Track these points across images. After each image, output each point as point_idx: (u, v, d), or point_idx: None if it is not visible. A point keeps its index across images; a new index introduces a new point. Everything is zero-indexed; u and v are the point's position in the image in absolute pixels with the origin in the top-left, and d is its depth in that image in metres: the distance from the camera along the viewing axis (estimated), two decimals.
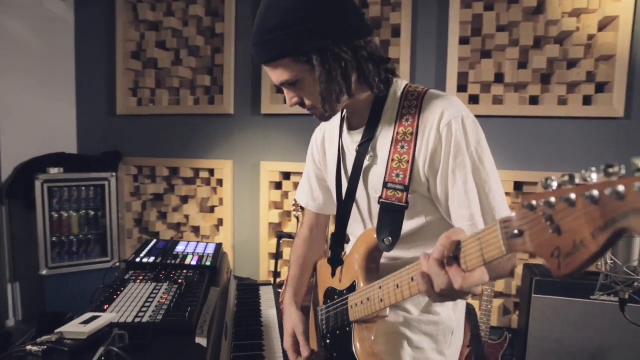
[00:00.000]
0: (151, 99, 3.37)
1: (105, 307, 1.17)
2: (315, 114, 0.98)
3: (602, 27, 2.53)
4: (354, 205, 1.07)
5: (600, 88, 2.56)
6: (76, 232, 3.06)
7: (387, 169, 0.95)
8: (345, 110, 1.10)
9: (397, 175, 0.94)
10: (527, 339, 2.39)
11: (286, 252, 3.10)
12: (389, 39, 2.82)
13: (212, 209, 3.36)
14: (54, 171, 2.92)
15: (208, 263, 1.59)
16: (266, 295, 1.86)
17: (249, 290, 1.90)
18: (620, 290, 1.04)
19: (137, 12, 3.29)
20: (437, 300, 0.71)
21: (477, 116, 2.61)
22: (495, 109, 2.66)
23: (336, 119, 1.13)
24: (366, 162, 1.01)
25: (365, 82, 0.94)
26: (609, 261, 1.11)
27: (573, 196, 0.47)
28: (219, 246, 1.84)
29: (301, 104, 0.96)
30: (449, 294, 0.67)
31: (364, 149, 1.01)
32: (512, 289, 2.74)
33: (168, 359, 0.98)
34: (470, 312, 2.45)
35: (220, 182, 3.28)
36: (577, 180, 0.49)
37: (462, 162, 0.89)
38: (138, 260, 1.57)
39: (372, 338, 0.94)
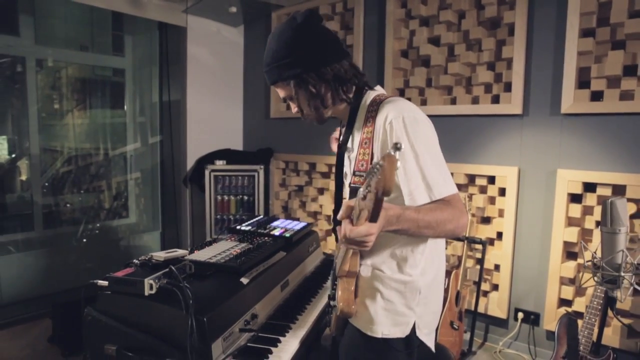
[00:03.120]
0: None
1: (196, 251, 1.67)
2: (311, 120, 1.36)
3: None
4: (345, 186, 1.37)
5: None
6: (233, 212, 3.84)
7: (355, 161, 1.24)
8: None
9: (362, 165, 1.21)
10: None
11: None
12: (505, 39, 2.78)
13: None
14: (218, 163, 3.74)
15: (287, 235, 1.98)
16: None
17: (330, 264, 2.22)
18: (601, 286, 1.01)
19: None
20: (349, 247, 1.03)
21: (599, 114, 2.46)
22: (624, 106, 2.40)
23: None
24: (347, 153, 1.32)
25: (336, 95, 1.28)
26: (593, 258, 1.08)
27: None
28: (307, 225, 2.22)
29: (301, 112, 1.35)
30: (350, 241, 0.95)
31: (343, 147, 1.34)
32: None
33: (214, 284, 1.41)
34: (571, 323, 2.30)
35: None
36: None
37: (402, 151, 1.12)
38: (238, 227, 2.06)
39: (352, 289, 1.23)
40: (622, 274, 0.97)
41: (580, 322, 2.28)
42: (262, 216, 2.31)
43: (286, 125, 4.01)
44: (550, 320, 2.65)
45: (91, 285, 1.32)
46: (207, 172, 3.67)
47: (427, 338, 1.29)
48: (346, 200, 0.97)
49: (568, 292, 2.62)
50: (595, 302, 2.24)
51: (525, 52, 2.67)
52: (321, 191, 3.89)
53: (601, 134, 2.48)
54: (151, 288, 1.24)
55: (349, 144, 1.32)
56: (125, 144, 4.09)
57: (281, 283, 1.73)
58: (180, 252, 1.51)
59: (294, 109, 1.35)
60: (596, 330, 2.24)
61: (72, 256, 3.74)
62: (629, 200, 2.42)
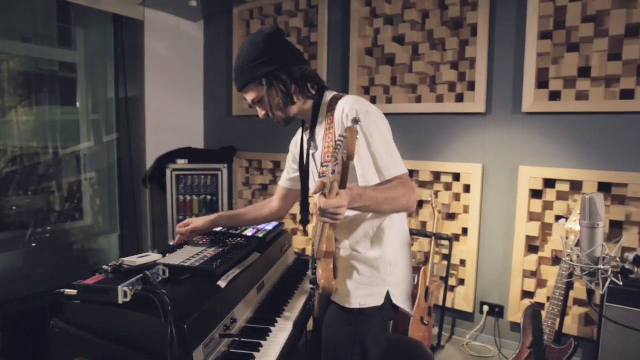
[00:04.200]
0: None
1: (167, 254, 1.59)
2: (278, 122, 1.47)
3: None
4: (310, 181, 1.50)
5: None
6: (197, 212, 3.72)
7: (322, 154, 1.37)
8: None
9: (328, 157, 1.34)
10: (599, 352, 2.24)
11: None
12: (468, 39, 2.85)
13: None
14: (180, 162, 3.61)
15: (260, 235, 1.93)
16: None
17: (303, 263, 2.20)
18: (581, 279, 1.05)
19: (249, 27, 3.85)
20: (322, 220, 1.10)
21: (558, 113, 2.55)
22: (579, 106, 2.52)
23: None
24: (312, 151, 1.46)
25: (302, 92, 1.41)
26: (572, 252, 1.13)
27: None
28: (278, 225, 2.18)
29: (267, 116, 1.47)
30: (323, 213, 1.06)
31: (310, 142, 1.46)
32: (597, 298, 2.55)
33: (191, 289, 1.35)
34: (535, 314, 2.40)
35: None
36: None
37: (357, 140, 1.24)
38: None
39: (330, 268, 1.34)
40: (601, 266, 1.01)
41: (544, 313, 2.38)
42: None
43: (249, 123, 3.94)
44: (514, 312, 2.75)
45: (57, 295, 1.22)
46: (168, 172, 3.53)
47: (405, 304, 1.48)
48: (320, 179, 1.10)
49: (530, 284, 2.73)
50: (557, 294, 2.34)
51: (487, 52, 2.75)
52: None
53: (560, 132, 2.59)
54: (125, 295, 1.16)
55: (313, 143, 1.45)
56: (78, 143, 3.87)
57: (257, 285, 1.68)
58: (153, 256, 1.44)
59: (261, 113, 1.47)
60: (558, 320, 2.35)
61: (21, 262, 3.49)
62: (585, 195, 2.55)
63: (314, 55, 3.54)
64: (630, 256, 1.04)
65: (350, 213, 1.39)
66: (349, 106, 1.33)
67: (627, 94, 2.44)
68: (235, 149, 4.02)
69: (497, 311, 2.85)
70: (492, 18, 2.74)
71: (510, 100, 2.72)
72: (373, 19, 3.23)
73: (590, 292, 1.09)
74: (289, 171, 1.76)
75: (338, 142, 1.00)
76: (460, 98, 2.91)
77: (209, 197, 3.76)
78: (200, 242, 1.78)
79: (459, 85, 2.92)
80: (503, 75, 2.73)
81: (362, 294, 1.38)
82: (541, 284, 2.75)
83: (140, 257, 1.39)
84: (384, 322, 1.45)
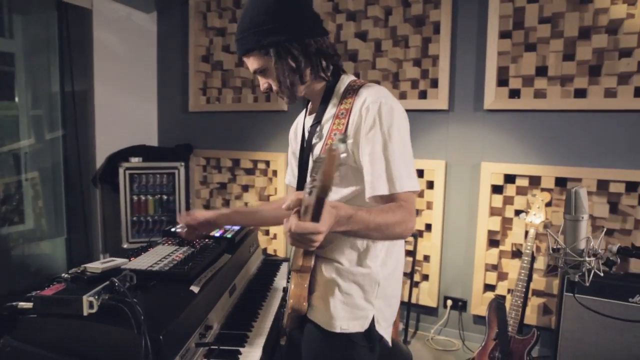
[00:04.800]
0: (217, 97, 3.76)
1: (132, 259, 1.47)
2: (281, 97, 1.24)
3: None
4: (307, 175, 1.27)
5: None
6: (152, 213, 3.54)
7: (324, 145, 1.17)
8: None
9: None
10: (559, 340, 2.33)
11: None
12: (430, 36, 2.88)
13: (268, 198, 3.66)
14: (134, 160, 3.41)
15: (228, 236, 1.84)
16: (285, 270, 2.07)
17: (272, 264, 2.13)
18: (565, 272, 1.07)
19: (206, 20, 3.70)
20: (293, 244, 0.90)
21: (517, 111, 2.61)
22: (537, 103, 2.61)
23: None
24: (314, 140, 1.23)
25: (315, 72, 1.20)
26: (556, 245, 1.15)
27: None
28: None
29: (270, 89, 1.24)
30: (294, 237, 0.86)
31: (313, 129, 1.24)
32: (553, 289, 2.66)
33: (162, 296, 1.24)
34: (499, 307, 2.46)
35: (275, 173, 3.56)
36: None
37: (373, 137, 1.09)
38: (172, 229, 1.87)
39: (305, 285, 1.15)
40: (586, 258, 1.03)
41: (507, 305, 2.44)
42: None
43: (207, 119, 3.79)
44: (477, 305, 2.81)
45: (7, 308, 1.09)
46: (121, 170, 3.33)
47: (386, 332, 1.26)
48: (297, 192, 0.92)
49: (492, 277, 2.80)
50: (519, 286, 2.42)
51: (450, 49, 2.79)
52: (245, 188, 3.74)
53: (519, 129, 2.67)
54: (91, 306, 1.04)
55: (318, 132, 1.23)
56: (16, 140, 3.56)
57: (229, 288, 1.60)
58: (118, 261, 1.32)
59: (264, 84, 1.24)
60: (521, 311, 2.42)
61: None
62: (543, 189, 2.65)
63: None
64: (614, 247, 1.06)
65: None
66: (372, 97, 1.13)
67: (580, 93, 2.56)
68: (192, 146, 3.86)
69: (460, 305, 2.90)
70: (454, 16, 2.78)
71: (472, 98, 2.77)
72: (335, 15, 3.19)
73: (571, 284, 1.10)
74: (293, 167, 1.50)
75: (318, 162, 0.80)
76: (423, 95, 2.93)
77: (164, 197, 3.58)
78: (166, 244, 1.67)
79: (422, 82, 2.94)
80: (465, 73, 2.78)
81: (344, 316, 1.17)
82: (502, 276, 2.83)
83: (103, 263, 1.27)
84: (372, 349, 1.22)
